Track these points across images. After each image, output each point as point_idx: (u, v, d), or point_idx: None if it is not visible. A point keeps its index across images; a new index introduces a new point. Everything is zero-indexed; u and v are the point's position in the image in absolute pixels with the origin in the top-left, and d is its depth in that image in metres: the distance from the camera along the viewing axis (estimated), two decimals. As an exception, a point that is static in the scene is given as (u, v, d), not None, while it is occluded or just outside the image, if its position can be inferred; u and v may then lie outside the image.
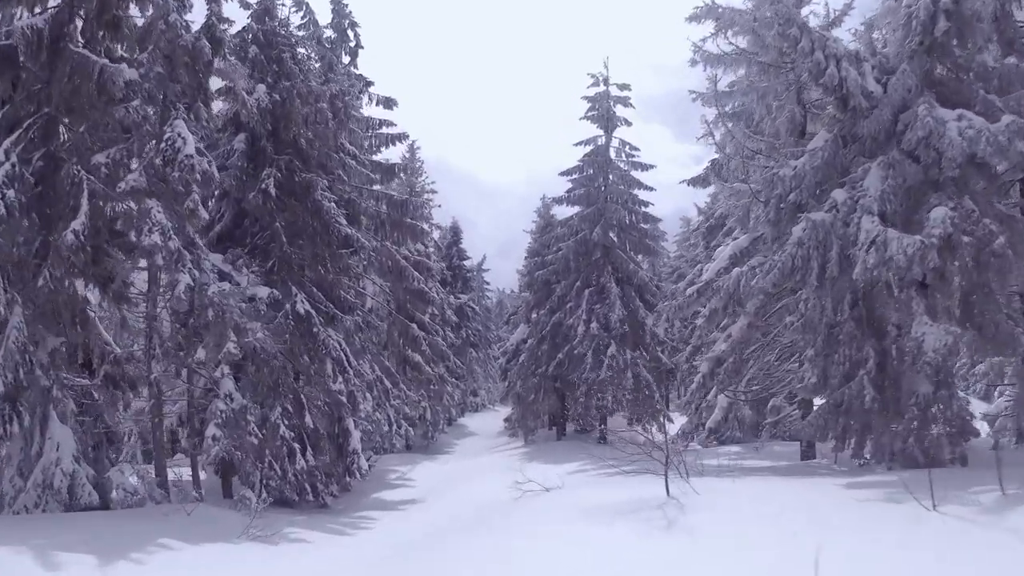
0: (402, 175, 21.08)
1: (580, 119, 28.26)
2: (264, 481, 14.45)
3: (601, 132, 28.15)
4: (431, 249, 29.83)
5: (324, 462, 16.22)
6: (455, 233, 42.91)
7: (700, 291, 15.59)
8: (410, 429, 19.21)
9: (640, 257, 28.89)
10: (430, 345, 20.72)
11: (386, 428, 19.29)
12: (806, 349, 12.96)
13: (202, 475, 15.05)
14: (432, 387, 29.86)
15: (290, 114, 16.01)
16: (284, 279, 15.56)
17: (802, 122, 15.20)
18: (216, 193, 16.48)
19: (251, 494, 12.72)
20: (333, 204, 15.85)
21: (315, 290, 16.29)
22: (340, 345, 16.48)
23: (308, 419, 15.30)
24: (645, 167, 28.07)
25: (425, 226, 22.28)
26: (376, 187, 20.66)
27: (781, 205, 12.96)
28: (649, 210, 27.89)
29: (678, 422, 29.11)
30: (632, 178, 27.91)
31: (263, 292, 14.31)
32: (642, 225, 27.93)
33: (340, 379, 16.08)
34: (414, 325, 20.78)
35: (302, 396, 15.52)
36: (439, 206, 31.28)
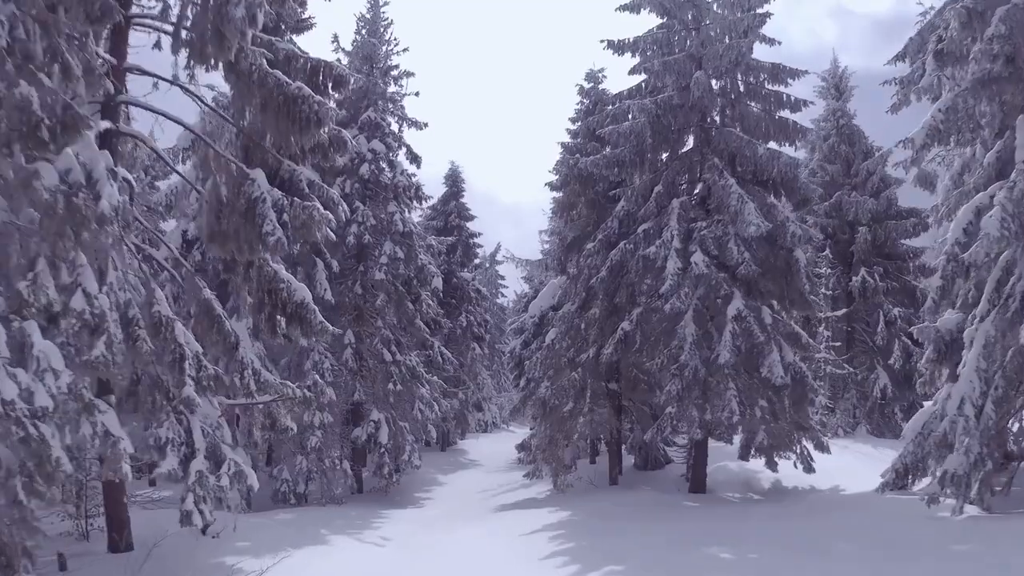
0: None
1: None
2: None
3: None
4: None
5: None
6: (454, 182, 30.23)
7: None
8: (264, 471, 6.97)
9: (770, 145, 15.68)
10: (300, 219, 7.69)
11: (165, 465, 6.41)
12: None
13: None
14: (392, 386, 17.13)
15: None
16: None
17: None
18: None
19: None
20: None
21: None
22: None
23: None
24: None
25: None
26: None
27: None
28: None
29: (839, 453, 16.05)
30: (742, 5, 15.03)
31: None
32: (768, 87, 15.01)
33: None
34: (254, 181, 7.67)
35: None
36: (416, 94, 18.64)
